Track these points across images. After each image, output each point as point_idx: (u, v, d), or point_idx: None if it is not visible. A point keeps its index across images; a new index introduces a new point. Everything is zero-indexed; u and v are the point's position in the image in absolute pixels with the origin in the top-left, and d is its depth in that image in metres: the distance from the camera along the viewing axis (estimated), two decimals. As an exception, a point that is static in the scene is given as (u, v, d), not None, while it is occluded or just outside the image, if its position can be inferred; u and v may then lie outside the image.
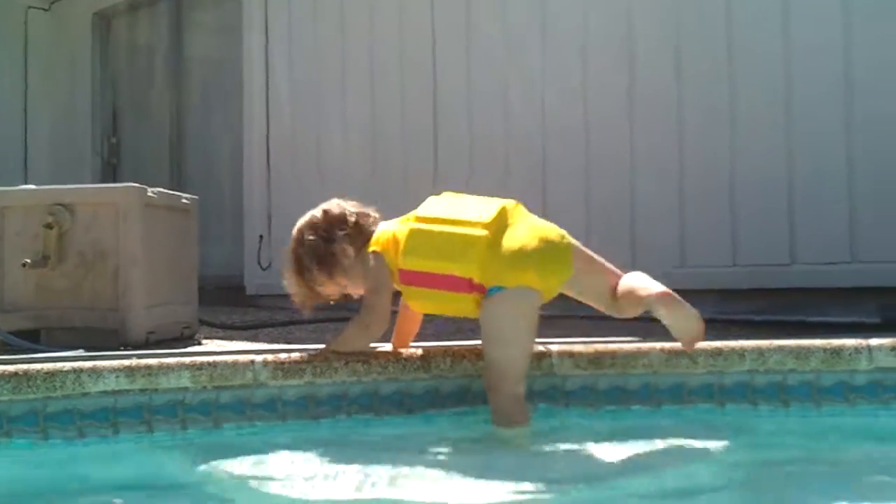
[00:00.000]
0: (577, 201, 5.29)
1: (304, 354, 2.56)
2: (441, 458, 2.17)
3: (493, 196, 2.63)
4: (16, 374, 2.30)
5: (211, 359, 2.45)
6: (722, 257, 4.89)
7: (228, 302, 6.45)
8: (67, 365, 2.36)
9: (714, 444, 2.10)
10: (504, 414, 2.34)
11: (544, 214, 2.73)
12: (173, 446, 2.28)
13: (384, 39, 6.33)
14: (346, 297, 2.75)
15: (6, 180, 5.29)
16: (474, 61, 5.81)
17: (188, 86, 8.10)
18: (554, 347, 2.60)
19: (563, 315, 4.59)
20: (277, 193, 6.92)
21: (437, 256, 2.43)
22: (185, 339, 4.10)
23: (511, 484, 1.87)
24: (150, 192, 4.09)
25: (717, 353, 2.48)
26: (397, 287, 2.58)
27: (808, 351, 2.44)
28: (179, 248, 4.33)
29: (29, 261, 3.78)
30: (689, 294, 4.95)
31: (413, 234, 2.52)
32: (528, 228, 2.48)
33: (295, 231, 2.71)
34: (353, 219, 2.73)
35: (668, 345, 2.53)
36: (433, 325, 4.39)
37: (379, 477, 1.92)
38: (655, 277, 4.94)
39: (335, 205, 2.74)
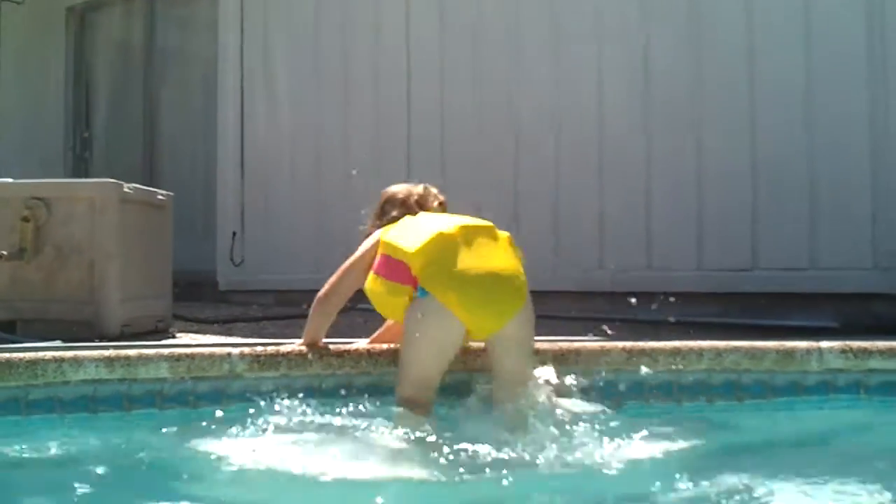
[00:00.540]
0: (543, 205, 5.39)
1: (279, 348, 2.64)
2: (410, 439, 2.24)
3: (467, 213, 2.70)
4: (-2, 362, 2.36)
5: (188, 350, 2.52)
6: (686, 261, 5.02)
7: (200, 297, 6.49)
8: (49, 354, 2.42)
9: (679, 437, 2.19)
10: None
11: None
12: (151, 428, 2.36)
13: (359, 38, 6.39)
14: None
15: (-23, 173, 5.29)
16: (448, 62, 5.88)
17: (162, 81, 8.11)
18: (521, 345, 2.69)
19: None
20: (251, 190, 6.96)
21: (401, 240, 2.52)
22: (159, 332, 4.16)
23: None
24: (126, 187, 4.14)
25: (676, 352, 2.59)
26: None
27: (762, 352, 2.56)
28: (154, 243, 4.39)
29: (5, 253, 3.82)
30: (653, 297, 5.15)
31: (402, 222, 2.62)
32: (489, 259, 2.47)
33: None
34: (382, 200, 2.92)
35: (629, 344, 2.64)
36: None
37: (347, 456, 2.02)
38: (621, 280, 5.14)
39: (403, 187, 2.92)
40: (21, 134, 8.40)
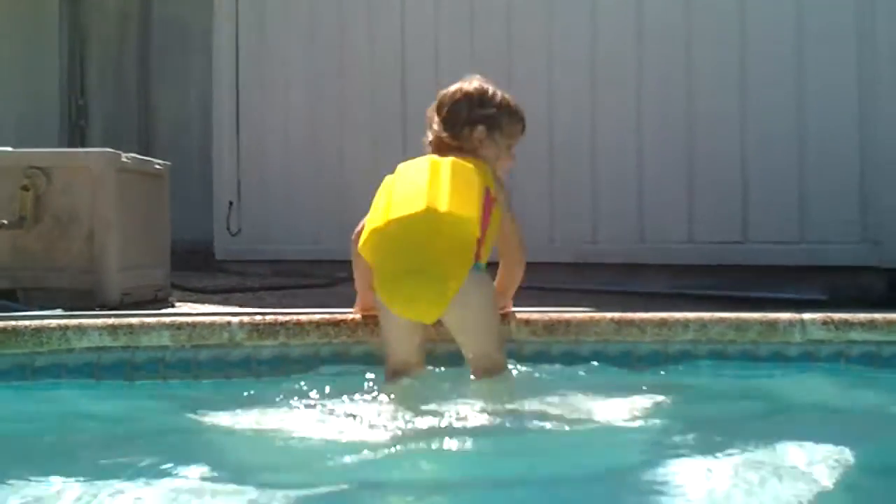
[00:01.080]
0: (541, 177, 5.44)
1: (276, 317, 2.71)
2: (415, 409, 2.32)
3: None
4: (4, 329, 2.43)
5: (190, 319, 2.59)
6: (678, 234, 5.09)
7: (197, 267, 6.55)
8: (53, 322, 2.49)
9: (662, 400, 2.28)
10: None
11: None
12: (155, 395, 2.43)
13: (355, 6, 6.40)
14: None
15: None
16: (443, 33, 5.89)
17: (158, 50, 8.11)
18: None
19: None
20: (247, 160, 6.98)
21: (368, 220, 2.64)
22: (158, 301, 4.23)
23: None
24: (124, 157, 4.19)
25: (663, 323, 2.67)
26: None
27: (747, 323, 2.64)
28: (152, 212, 4.44)
29: (6, 221, 3.87)
30: (646, 269, 5.22)
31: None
32: (410, 252, 2.41)
33: None
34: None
35: (617, 315, 2.72)
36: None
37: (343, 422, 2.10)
38: (615, 252, 5.21)
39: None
40: (17, 103, 8.40)
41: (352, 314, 2.76)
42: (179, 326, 2.56)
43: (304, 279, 5.52)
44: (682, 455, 1.84)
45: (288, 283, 5.22)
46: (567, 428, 2.08)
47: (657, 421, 2.14)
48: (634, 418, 2.14)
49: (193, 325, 2.57)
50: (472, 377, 2.49)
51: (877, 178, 4.51)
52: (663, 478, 1.70)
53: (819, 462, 1.71)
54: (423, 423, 2.07)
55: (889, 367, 2.58)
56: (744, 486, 1.61)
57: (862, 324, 2.59)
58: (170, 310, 3.72)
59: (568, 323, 2.72)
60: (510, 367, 2.55)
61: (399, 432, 2.01)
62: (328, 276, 5.41)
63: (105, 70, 8.45)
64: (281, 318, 2.70)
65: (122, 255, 4.03)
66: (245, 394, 2.40)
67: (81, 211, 3.97)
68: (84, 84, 8.47)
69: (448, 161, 2.52)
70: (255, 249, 6.76)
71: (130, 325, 2.54)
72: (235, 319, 2.63)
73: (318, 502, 1.65)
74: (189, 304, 4.18)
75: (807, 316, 2.63)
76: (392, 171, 2.72)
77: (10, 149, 4.24)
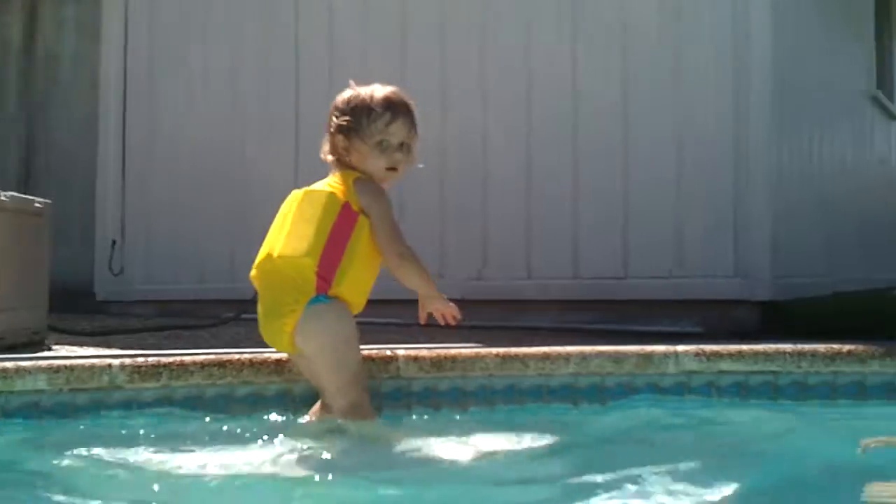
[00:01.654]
0: (432, 210, 5.50)
1: (159, 358, 2.66)
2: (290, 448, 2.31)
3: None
4: None
5: (68, 362, 2.52)
6: (564, 270, 5.23)
7: (77, 308, 6.33)
8: (-81, 368, 2.38)
9: (543, 436, 2.34)
10: None
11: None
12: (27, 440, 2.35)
13: (246, 46, 6.37)
14: None
15: None
16: (337, 59, 5.91)
17: (42, 83, 7.87)
18: (400, 352, 2.80)
19: (408, 323, 4.84)
20: (133, 198, 6.83)
21: None
22: (34, 344, 4.06)
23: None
24: (3, 195, 4.03)
25: (546, 357, 2.75)
26: None
27: (624, 356, 2.74)
28: (30, 252, 4.28)
29: None
30: (532, 304, 5.33)
31: None
32: (264, 297, 2.63)
33: None
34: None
35: (502, 350, 2.78)
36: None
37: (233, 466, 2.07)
38: (502, 288, 5.30)
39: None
40: None
41: None
42: (57, 370, 2.48)
43: (189, 320, 5.41)
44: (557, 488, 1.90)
45: (171, 324, 5.10)
46: (405, 473, 2.09)
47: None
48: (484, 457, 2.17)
49: (71, 368, 2.50)
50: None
51: (747, 217, 4.74)
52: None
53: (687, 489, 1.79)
54: (243, 461, 2.07)
55: (756, 396, 2.72)
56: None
57: (731, 354, 2.73)
58: (45, 353, 3.58)
59: (454, 359, 2.77)
60: (370, 404, 2.52)
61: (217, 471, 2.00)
62: (214, 316, 5.32)
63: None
64: (164, 359, 2.65)
65: (-5, 297, 3.86)
66: (125, 436, 2.35)
67: (-48, 250, 3.80)
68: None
69: (299, 197, 2.64)
70: (138, 290, 6.60)
71: (4, 369, 2.44)
72: (116, 361, 2.57)
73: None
74: (67, 347, 4.03)
75: (680, 348, 2.76)
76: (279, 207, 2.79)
77: None
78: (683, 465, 1.99)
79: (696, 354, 2.74)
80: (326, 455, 2.21)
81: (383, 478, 2.03)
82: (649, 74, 5.01)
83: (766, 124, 4.73)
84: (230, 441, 2.30)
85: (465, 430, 2.40)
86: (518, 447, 2.24)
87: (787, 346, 2.74)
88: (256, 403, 2.66)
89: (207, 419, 2.56)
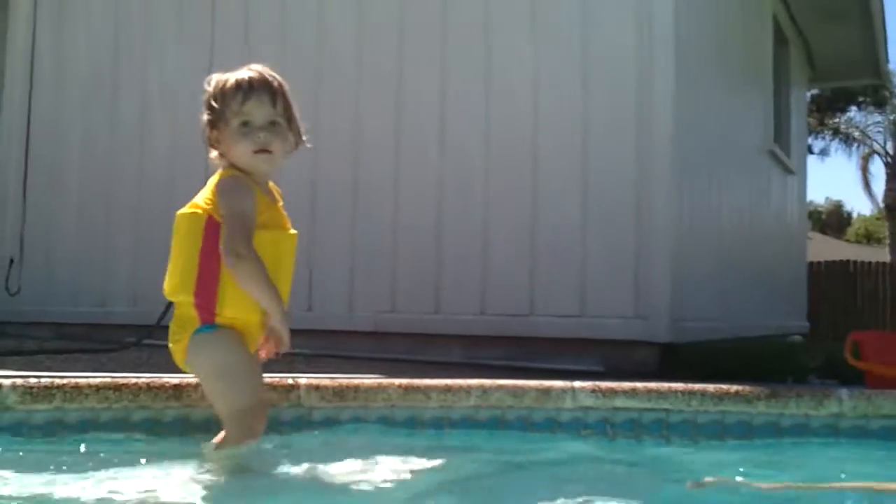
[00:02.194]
0: (343, 244, 5.53)
1: (53, 379, 2.59)
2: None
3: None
4: None
5: (-44, 381, 2.43)
6: (471, 306, 5.30)
7: (-31, 328, 6.11)
8: None
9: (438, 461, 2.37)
10: None
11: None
12: None
13: (155, 61, 6.31)
14: None
15: None
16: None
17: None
18: (302, 380, 2.79)
19: (319, 354, 4.84)
20: (33, 217, 6.65)
21: None
22: (-80, 364, 3.89)
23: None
24: None
25: (447, 389, 2.79)
26: None
27: (523, 391, 2.80)
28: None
29: None
30: (440, 339, 5.38)
31: None
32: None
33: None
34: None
35: (405, 381, 2.81)
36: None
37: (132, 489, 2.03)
38: (410, 322, 5.34)
39: None
40: None
41: None
42: (-57, 389, 2.39)
43: (89, 343, 5.27)
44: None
45: (70, 347, 4.96)
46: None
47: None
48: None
49: (-41, 388, 2.42)
50: None
51: (648, 262, 4.91)
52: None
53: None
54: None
55: (648, 433, 2.81)
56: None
57: (625, 392, 2.81)
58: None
59: (357, 388, 2.78)
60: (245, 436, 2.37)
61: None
62: (115, 340, 5.20)
63: None
64: (57, 380, 2.59)
65: None
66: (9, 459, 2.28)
67: None
68: None
69: (175, 221, 2.48)
70: (36, 311, 6.40)
71: None
72: (7, 381, 2.50)
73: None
74: (-43, 368, 3.88)
75: (577, 384, 2.83)
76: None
77: None
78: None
79: (593, 391, 2.81)
80: (186, 483, 2.15)
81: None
82: (558, 123, 5.17)
83: (667, 174, 4.92)
84: (101, 466, 2.24)
85: (344, 453, 2.38)
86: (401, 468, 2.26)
87: (679, 385, 2.84)
88: (153, 428, 2.61)
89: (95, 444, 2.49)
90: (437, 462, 2.34)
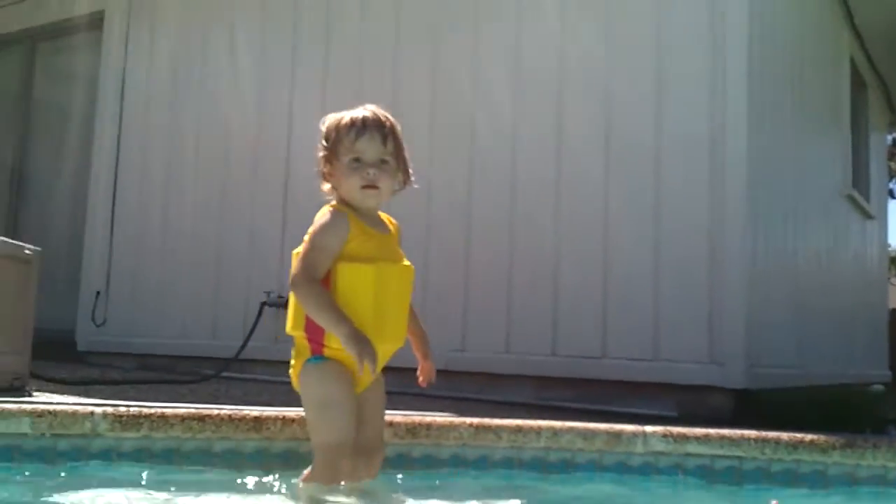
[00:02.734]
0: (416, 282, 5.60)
1: (141, 409, 2.71)
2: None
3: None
4: None
5: (52, 407, 2.57)
6: (542, 346, 5.31)
7: (57, 357, 6.34)
8: None
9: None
10: None
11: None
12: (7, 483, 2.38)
13: (240, 105, 6.53)
14: None
15: None
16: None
17: (36, 132, 8.01)
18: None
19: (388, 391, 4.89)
20: (120, 250, 6.91)
21: None
22: (14, 390, 4.08)
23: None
24: (-6, 241, 4.10)
25: (518, 430, 2.82)
26: None
27: (594, 433, 2.82)
28: (16, 298, 4.33)
29: None
30: (510, 379, 5.39)
31: None
32: None
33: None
34: None
35: (476, 420, 2.85)
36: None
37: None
38: (480, 361, 5.37)
39: None
40: None
41: None
42: (41, 414, 2.53)
43: (169, 374, 5.44)
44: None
45: (152, 378, 5.13)
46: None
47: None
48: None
49: (55, 414, 2.55)
50: None
51: (722, 306, 4.85)
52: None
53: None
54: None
55: (721, 481, 2.79)
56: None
57: (697, 438, 2.80)
58: (29, 398, 3.61)
59: (429, 426, 2.83)
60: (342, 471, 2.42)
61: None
62: (194, 372, 5.36)
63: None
64: (145, 409, 2.71)
65: (-20, 341, 3.89)
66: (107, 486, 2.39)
67: (-59, 293, 3.85)
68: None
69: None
70: (120, 342, 6.63)
71: (-12, 412, 2.50)
72: (99, 409, 2.63)
73: None
74: (47, 395, 4.06)
75: (649, 428, 2.84)
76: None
77: None
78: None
79: (664, 435, 2.81)
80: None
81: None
82: (629, 171, 5.17)
83: (741, 220, 4.88)
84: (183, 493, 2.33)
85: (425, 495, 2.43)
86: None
87: (752, 433, 2.82)
88: (233, 459, 2.70)
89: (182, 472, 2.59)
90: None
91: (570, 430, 2.81)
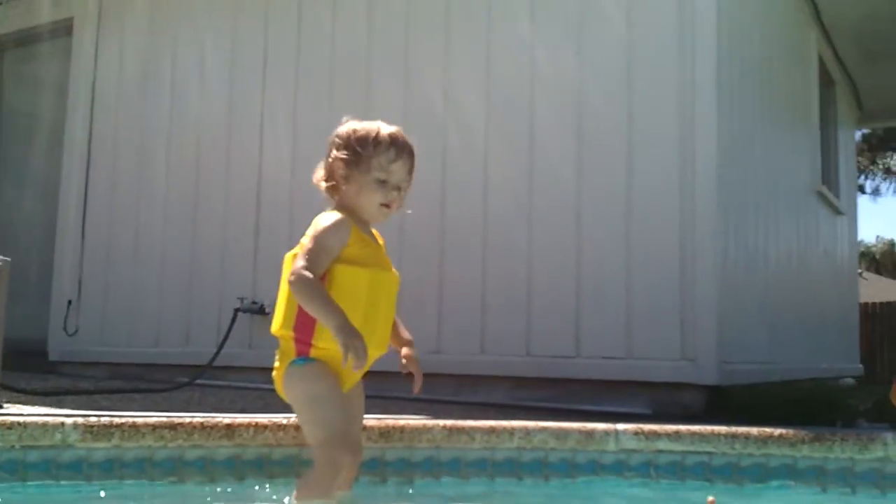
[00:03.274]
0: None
1: (112, 418, 2.70)
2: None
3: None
4: None
5: (21, 419, 2.55)
6: (517, 347, 5.33)
7: (27, 367, 6.27)
8: None
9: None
10: None
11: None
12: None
13: (211, 111, 6.50)
14: None
15: None
16: (301, 141, 6.06)
17: (5, 139, 7.93)
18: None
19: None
20: (91, 260, 6.86)
21: None
22: (-16, 402, 4.04)
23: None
24: (-38, 252, 4.06)
25: (491, 431, 2.83)
26: None
27: (566, 433, 2.84)
28: (-14, 309, 4.28)
29: None
30: (486, 380, 5.41)
31: None
32: None
33: None
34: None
35: (449, 422, 2.86)
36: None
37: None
38: (456, 363, 5.39)
39: None
40: None
41: None
42: (10, 426, 2.51)
43: (143, 383, 5.41)
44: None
45: (125, 387, 5.10)
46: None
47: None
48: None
49: (24, 425, 2.53)
50: None
51: (693, 304, 4.89)
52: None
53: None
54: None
55: (692, 476, 2.82)
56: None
57: (668, 434, 2.83)
58: (-2, 410, 3.57)
59: (402, 429, 2.84)
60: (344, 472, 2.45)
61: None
62: (168, 380, 5.33)
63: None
64: (116, 419, 2.69)
65: (-52, 353, 3.85)
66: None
67: None
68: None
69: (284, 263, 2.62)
70: (92, 351, 6.58)
71: (-45, 425, 2.47)
72: (69, 420, 2.61)
73: None
74: (18, 406, 4.02)
75: (620, 426, 2.86)
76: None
77: None
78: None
79: (636, 433, 2.84)
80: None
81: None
82: (601, 169, 5.21)
83: (712, 218, 4.92)
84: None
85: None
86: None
87: (722, 428, 2.85)
88: (206, 467, 2.69)
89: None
90: None
91: (543, 429, 2.83)
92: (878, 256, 41.50)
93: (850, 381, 7.91)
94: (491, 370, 5.37)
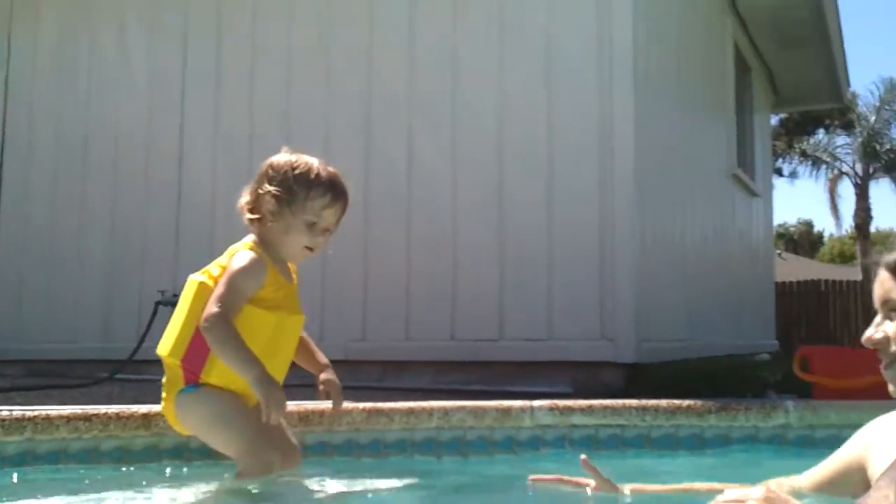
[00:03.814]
0: (311, 280, 5.60)
1: (24, 412, 2.66)
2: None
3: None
4: None
5: (-74, 415, 2.49)
6: (441, 332, 5.39)
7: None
8: None
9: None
10: None
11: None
12: None
13: (130, 105, 6.39)
14: None
15: None
16: (221, 141, 6.02)
17: None
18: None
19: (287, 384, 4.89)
20: (4, 255, 6.70)
21: None
22: None
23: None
24: None
25: (410, 412, 2.87)
26: None
27: (484, 411, 2.89)
28: None
29: None
30: (411, 365, 5.45)
31: None
32: None
33: None
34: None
35: (369, 405, 2.89)
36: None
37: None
38: (383, 350, 5.41)
39: None
40: None
41: None
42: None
43: (61, 379, 5.31)
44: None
45: (43, 384, 4.99)
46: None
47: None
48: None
49: (-71, 421, 2.48)
50: None
51: (613, 286, 5.02)
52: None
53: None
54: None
55: (606, 448, 2.90)
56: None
57: (582, 409, 2.91)
58: None
59: (322, 413, 2.86)
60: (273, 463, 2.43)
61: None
62: (88, 376, 5.24)
63: None
64: (28, 413, 2.65)
65: None
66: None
67: None
68: None
69: (185, 285, 2.54)
70: (6, 348, 6.42)
71: None
72: (-21, 415, 2.56)
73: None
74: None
75: (535, 403, 2.93)
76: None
77: None
78: None
79: (551, 409, 2.91)
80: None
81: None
82: (523, 147, 5.30)
83: (630, 204, 5.05)
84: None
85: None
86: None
87: (633, 402, 2.95)
88: (122, 457, 2.68)
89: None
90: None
91: (461, 409, 2.89)
92: (796, 237, 42.85)
93: (765, 356, 8.18)
94: (416, 356, 5.42)
